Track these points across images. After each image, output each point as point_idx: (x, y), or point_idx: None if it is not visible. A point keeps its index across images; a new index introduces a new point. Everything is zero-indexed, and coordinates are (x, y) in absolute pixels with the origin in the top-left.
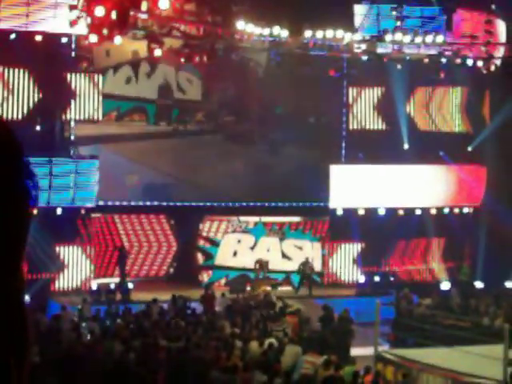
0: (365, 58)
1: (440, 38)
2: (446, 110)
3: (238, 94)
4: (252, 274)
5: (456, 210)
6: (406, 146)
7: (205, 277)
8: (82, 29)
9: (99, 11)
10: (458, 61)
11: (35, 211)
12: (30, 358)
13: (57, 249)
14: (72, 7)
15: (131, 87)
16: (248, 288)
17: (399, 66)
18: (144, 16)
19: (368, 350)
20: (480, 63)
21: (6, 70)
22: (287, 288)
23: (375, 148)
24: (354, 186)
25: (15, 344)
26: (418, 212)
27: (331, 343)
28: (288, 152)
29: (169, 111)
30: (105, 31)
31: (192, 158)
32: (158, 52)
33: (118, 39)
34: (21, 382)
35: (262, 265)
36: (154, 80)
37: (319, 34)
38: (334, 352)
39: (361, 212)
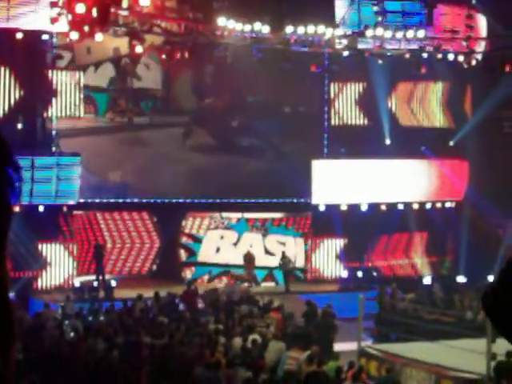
0: (346, 53)
1: (421, 33)
2: (427, 105)
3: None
4: (234, 269)
5: (438, 205)
6: (387, 141)
7: (188, 273)
8: (62, 26)
9: (80, 8)
10: (439, 56)
11: (17, 209)
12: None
13: (39, 246)
14: (53, 4)
15: None
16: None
17: (380, 62)
18: (125, 13)
19: (351, 345)
20: (461, 58)
21: None
22: (270, 284)
23: (357, 143)
24: (337, 182)
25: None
26: (401, 207)
27: (315, 339)
28: (270, 148)
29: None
30: (86, 28)
31: (167, 152)
32: (139, 49)
33: (99, 36)
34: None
35: (251, 258)
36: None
37: (300, 29)
38: (318, 347)
39: (343, 207)
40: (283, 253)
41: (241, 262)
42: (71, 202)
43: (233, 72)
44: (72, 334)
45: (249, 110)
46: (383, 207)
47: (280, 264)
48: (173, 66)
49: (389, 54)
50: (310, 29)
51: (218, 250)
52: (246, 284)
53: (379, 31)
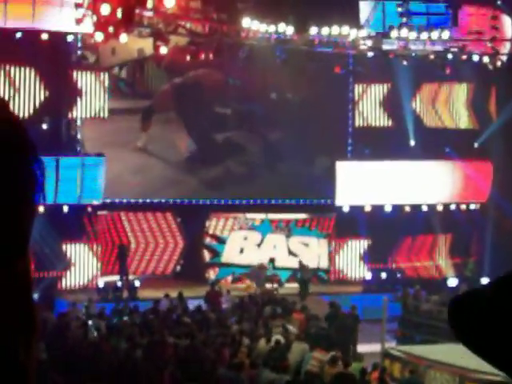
0: (370, 54)
1: (446, 34)
2: (452, 106)
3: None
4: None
5: (463, 207)
6: (412, 143)
7: (211, 274)
8: (87, 27)
9: (105, 9)
10: (464, 57)
11: (42, 209)
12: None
13: (63, 247)
14: (78, 5)
15: None
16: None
17: (405, 63)
18: (149, 14)
19: (375, 347)
20: (486, 59)
21: (13, 69)
22: (293, 285)
23: (381, 144)
24: (361, 183)
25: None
26: (425, 208)
27: (338, 340)
28: (294, 148)
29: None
30: (110, 29)
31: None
32: (163, 49)
33: (123, 37)
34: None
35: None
36: None
37: (325, 30)
38: (341, 349)
39: (367, 209)
40: (300, 262)
41: (265, 262)
42: (95, 203)
43: (257, 73)
44: (95, 334)
45: (274, 111)
46: (407, 208)
47: (299, 274)
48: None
49: (413, 55)
50: (335, 30)
51: (241, 250)
52: (270, 285)
53: (404, 32)
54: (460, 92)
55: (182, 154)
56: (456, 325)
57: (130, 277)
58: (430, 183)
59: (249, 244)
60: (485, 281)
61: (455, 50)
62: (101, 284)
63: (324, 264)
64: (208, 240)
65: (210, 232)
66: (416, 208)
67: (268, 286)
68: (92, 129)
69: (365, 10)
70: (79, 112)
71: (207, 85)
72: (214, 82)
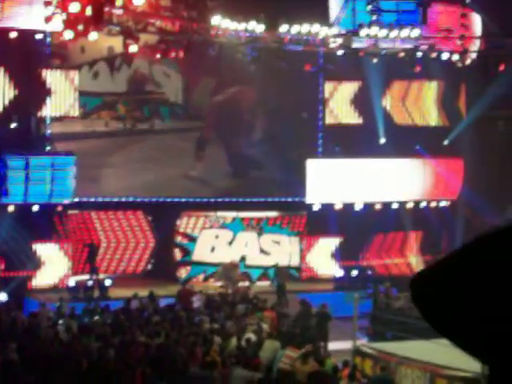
0: (340, 52)
1: (415, 32)
2: (422, 104)
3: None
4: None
5: (433, 204)
6: (382, 140)
7: (183, 273)
8: (57, 25)
9: (74, 7)
10: (434, 55)
11: (12, 208)
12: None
13: (34, 246)
14: (47, 3)
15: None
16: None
17: (375, 61)
18: (119, 12)
19: (346, 344)
20: (455, 57)
21: None
22: (265, 283)
23: (352, 142)
24: (331, 181)
25: None
26: (395, 206)
27: (309, 338)
28: (264, 147)
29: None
30: (80, 27)
31: (169, 152)
32: (133, 48)
33: (93, 35)
34: None
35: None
36: (125, 75)
37: (295, 28)
38: (312, 346)
39: (338, 206)
40: (276, 265)
41: (235, 260)
42: (66, 202)
43: (227, 71)
44: (66, 334)
45: (243, 108)
46: (378, 206)
47: (274, 277)
48: (191, 74)
49: (383, 52)
50: (305, 28)
51: (213, 249)
52: (242, 284)
53: (373, 30)
54: (430, 90)
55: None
56: (417, 299)
57: (101, 276)
58: (401, 181)
59: (220, 242)
60: None
61: (425, 47)
62: (71, 283)
63: (295, 262)
64: (179, 239)
65: (181, 231)
66: (387, 205)
67: (239, 284)
68: (62, 127)
69: (335, 7)
70: (49, 111)
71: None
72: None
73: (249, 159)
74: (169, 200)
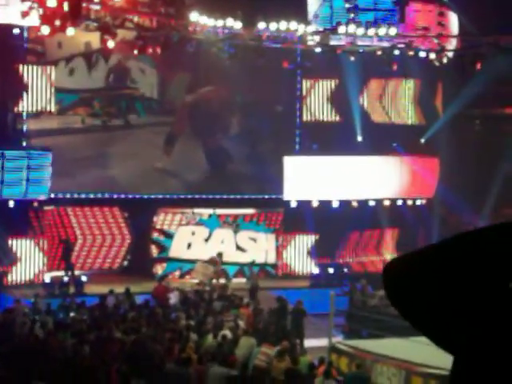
0: (318, 49)
1: (393, 31)
2: (399, 102)
3: (194, 83)
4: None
5: (409, 202)
6: (359, 138)
7: (159, 269)
8: (34, 20)
9: (51, 2)
10: (411, 53)
11: None
12: None
13: (9, 242)
14: None
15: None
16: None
17: (352, 58)
18: (97, 7)
19: (322, 342)
20: (432, 55)
21: None
22: (241, 280)
23: (329, 140)
24: (308, 178)
25: None
26: (372, 203)
27: (285, 335)
28: (242, 143)
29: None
30: (57, 22)
31: (145, 147)
32: (110, 43)
33: (70, 30)
34: None
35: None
36: (103, 71)
37: (273, 25)
38: (287, 343)
39: (315, 204)
40: (253, 262)
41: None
42: (42, 198)
43: (204, 68)
44: (42, 330)
45: (217, 106)
46: (354, 204)
47: (248, 279)
48: (167, 69)
49: (361, 50)
50: (282, 25)
51: (189, 245)
52: (222, 281)
53: (351, 28)
54: (407, 88)
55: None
56: (389, 287)
57: (77, 272)
58: (377, 178)
59: (196, 239)
60: None
61: (402, 46)
62: (47, 279)
63: (272, 259)
64: (155, 235)
65: (158, 227)
66: (363, 203)
67: (215, 281)
68: (39, 123)
69: (313, 5)
70: (25, 106)
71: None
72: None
73: (224, 154)
74: (145, 196)
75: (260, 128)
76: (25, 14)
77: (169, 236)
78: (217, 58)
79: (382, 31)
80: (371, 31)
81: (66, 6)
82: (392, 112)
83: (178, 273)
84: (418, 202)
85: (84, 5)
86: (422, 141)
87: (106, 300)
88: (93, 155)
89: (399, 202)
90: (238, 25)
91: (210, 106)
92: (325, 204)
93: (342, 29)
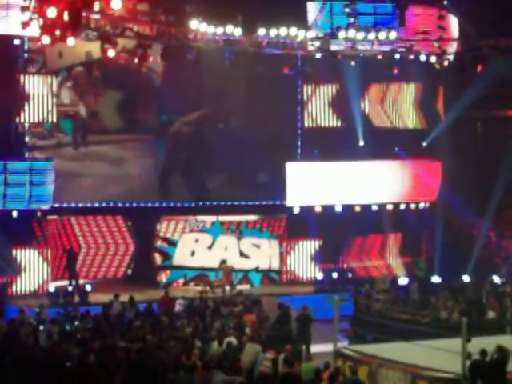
0: (318, 55)
1: (393, 35)
2: (400, 106)
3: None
4: (211, 273)
5: (412, 206)
6: (361, 143)
7: (163, 277)
8: (34, 30)
9: (51, 12)
10: (412, 57)
11: None
12: None
13: (13, 252)
14: (24, 8)
15: None
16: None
17: (353, 63)
18: (96, 16)
19: (327, 347)
20: (433, 59)
21: None
22: (245, 286)
23: (331, 145)
24: (311, 184)
25: None
26: (375, 208)
27: (291, 340)
28: (244, 150)
29: None
30: (57, 32)
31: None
32: (111, 52)
33: (70, 40)
34: None
35: (227, 270)
36: None
37: (273, 32)
38: (290, 348)
39: (318, 209)
40: (257, 268)
41: (215, 265)
42: (45, 207)
43: (205, 75)
44: (47, 340)
45: (222, 112)
46: (357, 208)
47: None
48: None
49: (361, 55)
50: (283, 31)
51: (192, 253)
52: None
53: (351, 33)
54: (408, 92)
55: None
56: None
57: (81, 281)
58: (380, 183)
59: (200, 246)
60: (435, 279)
61: (402, 50)
62: (51, 289)
63: (275, 265)
64: (159, 243)
65: (161, 235)
66: (366, 208)
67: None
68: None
69: (312, 10)
70: (27, 116)
71: None
72: None
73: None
74: (149, 205)
75: (261, 134)
76: (25, 25)
77: (172, 244)
78: (218, 66)
79: (382, 35)
80: (371, 35)
81: (65, 16)
82: (393, 116)
83: (182, 280)
84: (421, 206)
85: (84, 14)
86: (424, 144)
87: (111, 307)
88: (96, 164)
89: (402, 206)
90: (237, 31)
91: (202, 131)
92: (328, 209)
93: (341, 34)
